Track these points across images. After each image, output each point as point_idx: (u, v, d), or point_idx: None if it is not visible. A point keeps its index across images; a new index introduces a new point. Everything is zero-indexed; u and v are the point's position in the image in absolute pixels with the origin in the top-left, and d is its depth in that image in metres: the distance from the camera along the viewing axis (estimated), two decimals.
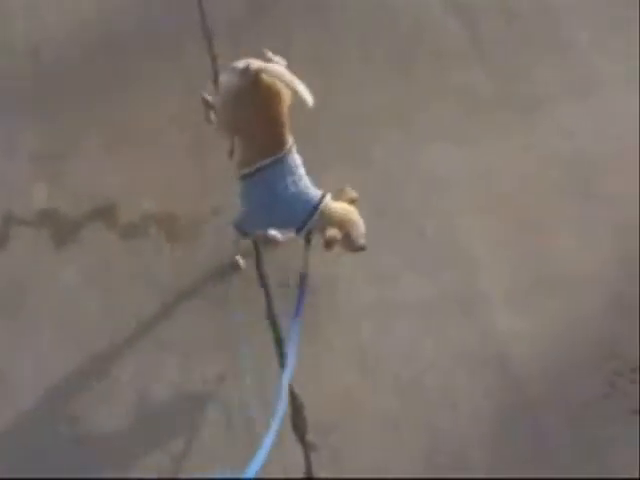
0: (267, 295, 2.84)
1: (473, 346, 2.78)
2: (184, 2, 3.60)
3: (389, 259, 2.93)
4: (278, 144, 2.50)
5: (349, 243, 2.54)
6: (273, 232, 2.91)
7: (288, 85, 2.46)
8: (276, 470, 2.48)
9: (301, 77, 3.34)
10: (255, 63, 2.46)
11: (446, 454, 2.57)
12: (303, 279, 2.62)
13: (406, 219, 3.04)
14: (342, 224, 2.51)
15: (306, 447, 2.57)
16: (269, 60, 2.54)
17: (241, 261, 2.89)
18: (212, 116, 2.67)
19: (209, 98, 2.66)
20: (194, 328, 2.77)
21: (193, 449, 2.56)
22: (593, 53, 3.63)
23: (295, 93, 2.45)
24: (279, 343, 2.74)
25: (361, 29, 3.63)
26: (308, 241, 2.62)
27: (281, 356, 2.71)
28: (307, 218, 2.52)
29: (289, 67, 3.39)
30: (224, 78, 2.51)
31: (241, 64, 2.46)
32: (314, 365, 2.70)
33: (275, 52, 3.48)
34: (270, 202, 2.55)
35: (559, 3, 3.75)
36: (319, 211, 2.51)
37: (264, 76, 2.45)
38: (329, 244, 2.48)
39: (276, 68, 2.49)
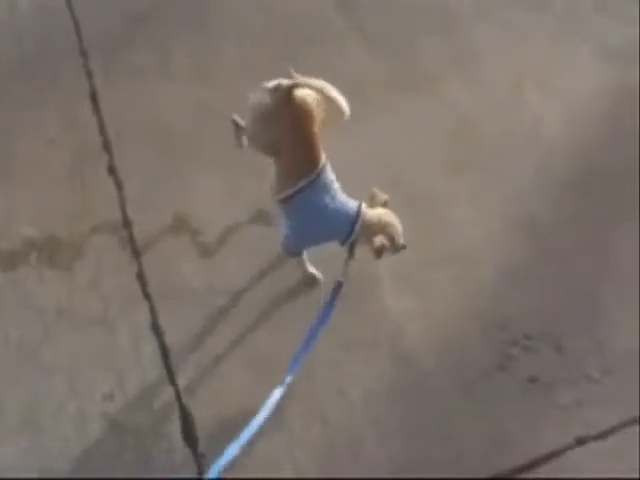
0: (151, 306, 2.76)
1: (364, 331, 2.72)
2: (56, 21, 3.52)
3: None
4: (312, 163, 2.44)
5: (393, 245, 2.52)
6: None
7: (325, 95, 2.39)
8: None
9: (183, 87, 3.36)
10: (286, 82, 2.39)
11: (342, 445, 2.51)
12: (339, 287, 2.56)
13: None
14: (383, 230, 2.49)
15: (199, 459, 2.48)
16: (295, 78, 2.44)
17: (318, 274, 2.82)
18: (244, 140, 2.59)
19: (240, 121, 2.58)
20: (78, 349, 2.69)
21: (85, 470, 2.49)
22: (477, 25, 3.61)
23: (327, 109, 2.39)
24: (165, 354, 2.67)
25: (239, 32, 3.57)
26: (351, 251, 2.58)
27: (168, 367, 2.64)
28: (349, 232, 2.50)
29: (170, 80, 3.40)
30: (254, 98, 2.42)
31: (271, 83, 2.39)
32: (205, 372, 2.65)
33: (155, 65, 3.45)
34: (311, 220, 2.51)
35: None
36: (359, 224, 2.48)
37: (296, 94, 2.37)
38: (379, 252, 2.46)
39: (312, 80, 2.41)
